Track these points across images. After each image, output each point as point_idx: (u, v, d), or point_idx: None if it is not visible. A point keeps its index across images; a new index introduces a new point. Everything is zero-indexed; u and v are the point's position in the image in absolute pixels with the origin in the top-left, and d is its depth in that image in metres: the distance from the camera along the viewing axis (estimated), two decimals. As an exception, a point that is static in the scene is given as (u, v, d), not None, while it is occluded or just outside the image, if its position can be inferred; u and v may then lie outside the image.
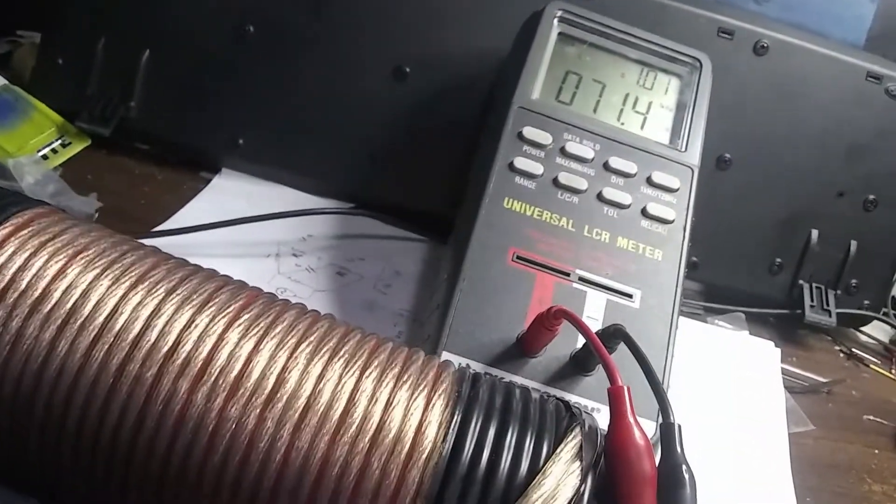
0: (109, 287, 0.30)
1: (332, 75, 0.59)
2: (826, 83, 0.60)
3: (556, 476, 0.27)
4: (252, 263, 0.52)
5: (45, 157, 0.56)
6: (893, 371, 0.62)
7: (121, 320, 0.29)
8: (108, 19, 0.58)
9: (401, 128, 0.59)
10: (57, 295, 0.29)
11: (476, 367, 0.39)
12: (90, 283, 0.30)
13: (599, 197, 0.46)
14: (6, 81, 0.60)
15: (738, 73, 0.60)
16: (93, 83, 0.58)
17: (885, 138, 0.61)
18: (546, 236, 0.44)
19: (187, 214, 0.55)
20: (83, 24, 0.58)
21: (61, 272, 0.30)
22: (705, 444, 0.48)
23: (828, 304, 0.61)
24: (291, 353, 0.29)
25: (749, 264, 0.62)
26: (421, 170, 0.59)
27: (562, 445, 0.28)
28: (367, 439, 0.28)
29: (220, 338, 0.29)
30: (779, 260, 0.62)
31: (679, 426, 0.30)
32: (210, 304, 0.30)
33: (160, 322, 0.29)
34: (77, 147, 0.58)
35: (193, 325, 0.29)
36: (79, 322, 0.29)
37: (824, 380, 0.57)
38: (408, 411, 0.28)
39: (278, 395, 0.28)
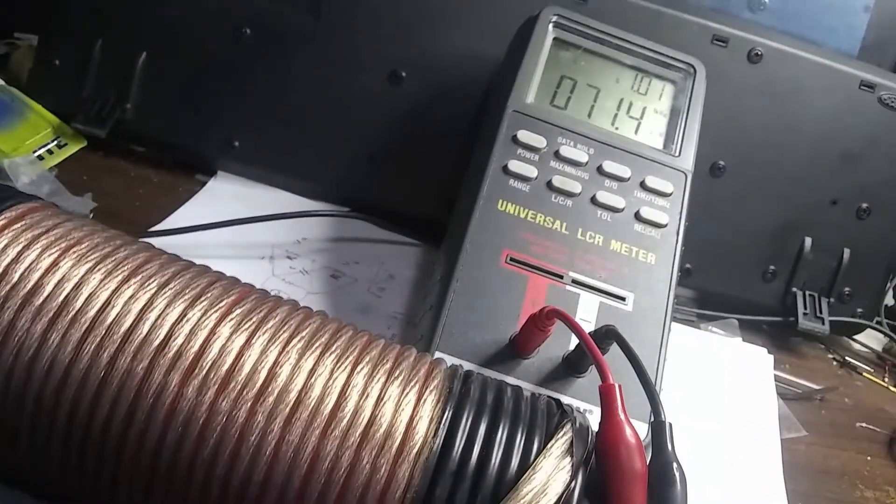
0: (102, 281, 0.30)
1: (328, 79, 0.59)
2: (820, 91, 0.61)
3: (547, 471, 0.27)
4: (246, 265, 0.52)
5: (40, 157, 0.56)
6: (886, 379, 0.62)
7: (112, 313, 0.29)
8: (105, 21, 0.58)
9: (396, 132, 0.59)
10: (49, 288, 0.29)
11: (469, 367, 0.39)
12: (82, 276, 0.30)
13: (593, 200, 0.46)
14: (3, 83, 0.60)
15: (732, 80, 0.60)
16: (89, 85, 0.58)
17: (879, 146, 0.61)
18: (540, 239, 0.44)
19: (182, 216, 0.55)
20: (80, 26, 0.59)
21: (54, 265, 0.30)
22: (698, 450, 0.48)
23: (821, 312, 0.61)
24: (283, 348, 0.29)
25: (742, 271, 0.62)
26: (415, 174, 0.59)
27: (552, 441, 0.28)
28: (357, 434, 0.28)
29: (212, 332, 0.29)
30: (772, 267, 0.62)
31: (670, 424, 0.30)
32: (202, 299, 0.30)
33: (152, 316, 0.29)
34: (73, 148, 0.58)
35: (185, 319, 0.29)
36: (70, 315, 0.29)
37: (817, 387, 0.57)
38: (399, 407, 0.28)
39: (269, 389, 0.28)
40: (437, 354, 0.39)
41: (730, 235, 0.61)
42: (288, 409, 0.28)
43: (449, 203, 0.50)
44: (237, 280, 0.34)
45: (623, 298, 0.43)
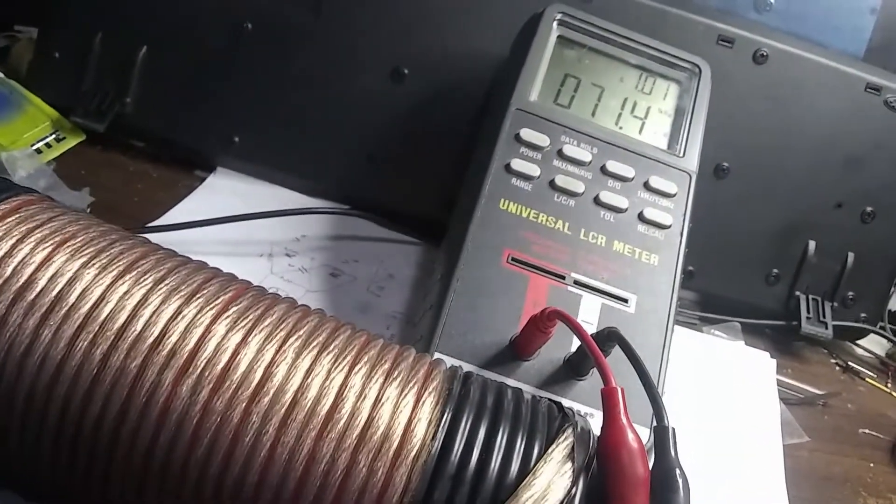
0: (96, 276, 0.29)
1: (330, 75, 0.58)
2: (825, 93, 0.60)
3: (547, 477, 0.27)
4: (245, 262, 0.51)
5: (38, 151, 0.56)
6: (889, 385, 0.62)
7: (106, 309, 0.29)
8: (105, 15, 0.58)
9: (397, 130, 0.58)
10: (42, 283, 0.29)
11: (469, 368, 0.39)
12: (76, 271, 0.29)
13: (596, 200, 0.45)
14: (2, 75, 0.59)
15: (737, 81, 0.59)
16: (89, 79, 0.58)
17: (884, 149, 0.61)
18: (541, 238, 0.43)
19: (180, 212, 0.54)
20: (81, 19, 0.58)
21: (48, 260, 0.29)
22: (700, 455, 0.47)
23: (824, 317, 0.61)
24: (280, 347, 0.29)
25: (745, 274, 0.61)
26: (417, 172, 0.58)
27: (553, 446, 0.28)
28: (354, 436, 0.27)
29: (208, 329, 0.29)
30: (775, 270, 0.61)
31: (673, 429, 0.29)
32: (198, 296, 0.30)
33: (146, 312, 0.29)
34: (71, 142, 0.58)
35: (180, 316, 0.29)
36: (63, 310, 0.28)
37: (820, 392, 0.56)
38: (397, 408, 0.28)
39: (265, 388, 0.28)
40: (437, 355, 0.39)
41: (733, 238, 0.61)
42: (284, 410, 0.27)
43: (449, 202, 0.49)
44: (234, 276, 0.33)
45: (625, 300, 0.43)
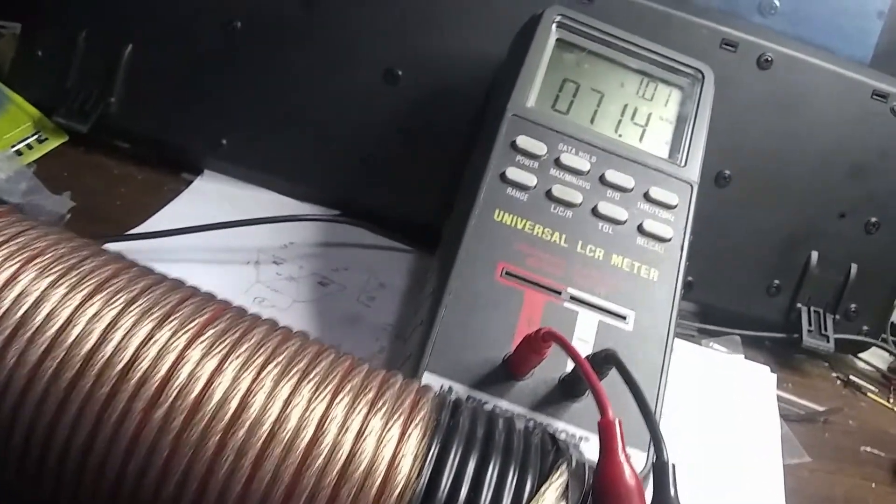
0: (65, 296, 0.28)
1: (322, 76, 0.56)
2: (830, 100, 0.59)
3: (539, 517, 0.25)
4: (230, 270, 0.49)
5: (18, 152, 0.54)
6: (891, 400, 0.60)
7: (74, 332, 0.27)
8: (90, 11, 0.56)
9: (391, 133, 0.57)
10: (6, 304, 0.27)
11: (459, 389, 0.37)
12: (44, 290, 0.28)
13: (594, 212, 0.44)
14: (-17, 73, 0.58)
15: (741, 86, 0.58)
16: (72, 77, 0.56)
17: (890, 159, 0.59)
18: (537, 251, 0.42)
19: (165, 217, 0.53)
20: (65, 16, 0.56)
21: (13, 279, 0.28)
22: (697, 474, 0.46)
23: (826, 329, 0.59)
24: (257, 374, 0.27)
25: (746, 285, 0.60)
26: (410, 177, 0.57)
27: (546, 484, 0.26)
28: (335, 472, 0.25)
29: (181, 355, 0.27)
30: (777, 281, 0.60)
31: (673, 466, 0.28)
32: (172, 318, 0.28)
33: (116, 336, 0.27)
34: (53, 143, 0.56)
35: (152, 341, 0.27)
36: (28, 334, 0.27)
37: (821, 408, 0.55)
38: (381, 442, 0.26)
39: (240, 420, 0.26)
40: (426, 374, 0.37)
41: (733, 247, 0.59)
42: (260, 443, 0.26)
43: (444, 208, 0.48)
44: (213, 296, 0.31)
45: (623, 317, 0.41)
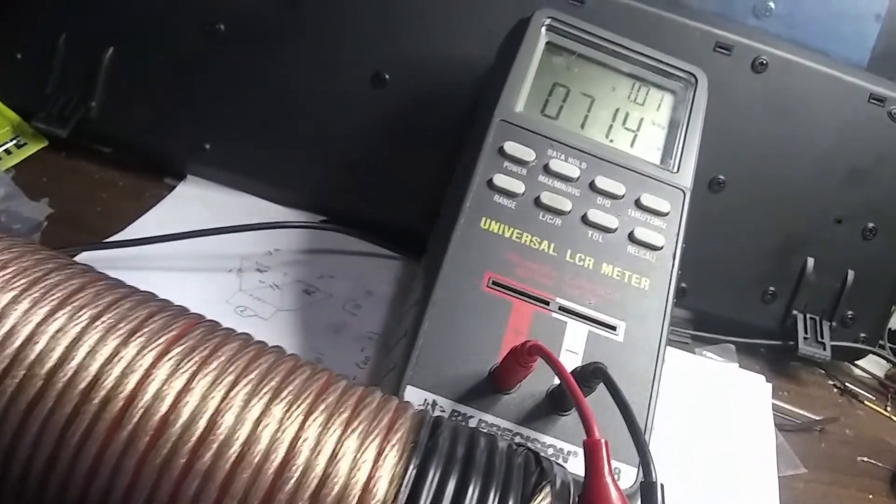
0: (27, 311, 0.27)
1: (307, 79, 0.55)
2: (827, 104, 0.57)
3: (521, 544, 0.24)
4: (212, 279, 0.48)
5: (-3, 157, 0.53)
6: (889, 408, 0.59)
7: (35, 350, 0.26)
8: (71, 14, 0.55)
9: (378, 138, 0.56)
10: (-36, 320, 0.26)
11: (444, 403, 0.36)
12: (5, 306, 0.27)
13: (584, 219, 0.43)
14: (-39, 76, 0.56)
15: (735, 90, 0.57)
16: (52, 81, 0.54)
17: (887, 164, 0.58)
18: (525, 261, 0.41)
19: (146, 224, 0.51)
20: (44, 18, 0.55)
21: (-28, 293, 0.27)
22: (690, 487, 0.45)
23: (822, 337, 0.58)
24: (227, 393, 0.26)
25: (741, 292, 0.58)
26: (398, 183, 0.55)
27: (528, 508, 0.25)
28: (306, 496, 0.24)
29: (147, 373, 0.26)
30: (772, 288, 0.59)
31: (661, 485, 0.27)
32: (138, 334, 0.27)
33: (80, 353, 0.26)
34: (33, 148, 0.55)
35: (117, 358, 0.26)
36: (-14, 352, 0.25)
37: (817, 417, 0.54)
38: (355, 463, 0.25)
39: (207, 441, 0.25)
40: (409, 388, 0.36)
41: (728, 254, 0.58)
42: (228, 466, 0.24)
43: (432, 214, 0.46)
44: (184, 310, 0.30)
45: (614, 328, 0.40)
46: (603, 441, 0.26)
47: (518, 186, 0.42)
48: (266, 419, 0.25)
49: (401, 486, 0.25)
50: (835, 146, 0.58)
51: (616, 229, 0.43)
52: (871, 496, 0.50)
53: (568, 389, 0.29)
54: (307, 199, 0.56)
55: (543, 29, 0.48)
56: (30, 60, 0.55)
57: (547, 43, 0.48)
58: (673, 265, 0.43)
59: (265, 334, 0.44)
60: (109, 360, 0.26)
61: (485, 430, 0.35)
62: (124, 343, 0.26)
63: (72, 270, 0.29)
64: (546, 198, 0.42)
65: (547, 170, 0.43)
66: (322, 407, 0.26)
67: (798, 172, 0.58)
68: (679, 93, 0.49)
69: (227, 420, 0.25)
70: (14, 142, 0.54)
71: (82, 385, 0.25)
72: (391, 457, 0.26)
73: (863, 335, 0.60)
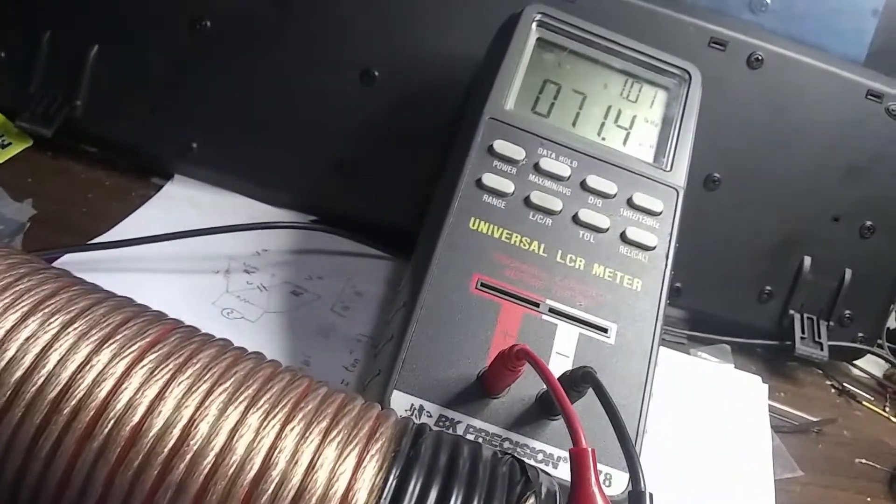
0: (-4, 317, 0.26)
1: (295, 77, 0.54)
2: (824, 100, 0.57)
3: (504, 557, 0.23)
4: (198, 280, 0.47)
5: (-19, 158, 0.52)
6: (887, 409, 0.59)
7: (5, 358, 0.25)
8: (54, 12, 0.54)
9: (367, 136, 0.55)
10: (-70, 327, 0.25)
11: (431, 408, 0.35)
12: (-27, 312, 0.26)
13: (575, 219, 0.42)
14: (-56, 75, 0.55)
15: (730, 86, 0.56)
16: (36, 80, 0.54)
17: (885, 161, 0.57)
18: (515, 262, 0.40)
19: (132, 224, 0.51)
20: (28, 16, 0.54)
21: (-62, 300, 0.26)
22: (684, 491, 0.44)
23: (819, 336, 0.57)
24: (202, 402, 0.25)
25: (736, 291, 0.58)
26: (388, 181, 0.55)
27: (512, 520, 0.24)
28: (282, 508, 0.24)
29: (119, 381, 0.25)
30: (768, 287, 0.58)
31: (650, 495, 0.26)
32: (111, 341, 0.26)
33: (50, 361, 0.25)
34: (17, 148, 0.54)
35: (89, 366, 0.25)
36: (-48, 360, 0.25)
37: (814, 419, 0.53)
38: (333, 474, 0.24)
39: (181, 452, 0.24)
40: (396, 393, 0.35)
41: (723, 252, 0.57)
42: (202, 478, 0.24)
43: (423, 214, 0.46)
44: (161, 315, 0.29)
45: (605, 330, 0.39)
46: (590, 450, 0.25)
47: (507, 186, 0.42)
48: (242, 428, 0.25)
49: (381, 497, 0.24)
50: (832, 143, 0.57)
51: (608, 229, 0.42)
52: (869, 499, 0.49)
53: (554, 395, 0.28)
54: (296, 198, 0.55)
55: (534, 25, 0.47)
56: (13, 59, 0.54)
57: (537, 39, 0.47)
58: (666, 265, 0.42)
59: (252, 337, 0.44)
60: (81, 368, 0.25)
61: (472, 437, 0.35)
62: (97, 350, 0.26)
63: (44, 275, 0.28)
64: (536, 197, 0.42)
65: (537, 169, 0.43)
66: (300, 415, 0.26)
67: (794, 170, 0.57)
68: (672, 89, 0.48)
69: (202, 430, 0.24)
70: (-2, 142, 0.53)
71: (52, 394, 0.25)
72: (371, 467, 0.25)
73: (861, 335, 0.59)
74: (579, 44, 0.47)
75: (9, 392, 0.24)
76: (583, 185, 0.43)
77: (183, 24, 0.54)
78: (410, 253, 0.46)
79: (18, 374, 0.25)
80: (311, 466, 0.24)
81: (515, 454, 0.28)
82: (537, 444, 0.35)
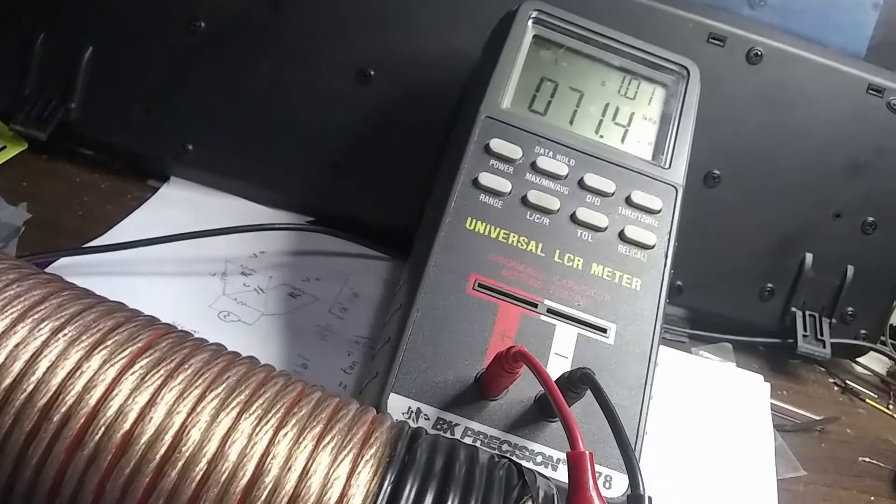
0: (-15, 325, 0.25)
1: (291, 77, 0.54)
2: (824, 95, 0.56)
3: (500, 563, 0.23)
4: (194, 283, 0.47)
5: (-24, 162, 0.52)
6: (891, 406, 0.58)
7: (-7, 366, 0.25)
8: (48, 14, 0.54)
9: (363, 135, 0.54)
10: (-81, 334, 0.25)
11: (428, 410, 0.35)
12: (-39, 319, 0.25)
13: (573, 218, 0.41)
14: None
15: (730, 82, 0.55)
16: (31, 82, 0.53)
17: (887, 156, 0.57)
18: (512, 262, 0.39)
19: (128, 227, 0.50)
20: (22, 19, 0.54)
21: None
22: (685, 491, 0.44)
23: (822, 334, 0.57)
24: (193, 408, 0.25)
25: (738, 289, 0.57)
26: (385, 182, 0.54)
27: (508, 525, 0.24)
28: (275, 515, 0.23)
29: (109, 388, 0.25)
30: (770, 285, 0.57)
31: (649, 498, 0.26)
32: (101, 347, 0.26)
33: (40, 368, 0.25)
34: (12, 151, 0.53)
35: (79, 373, 0.25)
36: (-60, 368, 0.24)
37: (817, 417, 0.53)
38: (327, 480, 0.24)
39: (172, 459, 0.24)
40: (393, 396, 0.35)
41: (724, 250, 0.57)
42: (194, 485, 0.23)
43: (420, 214, 0.45)
44: (153, 320, 0.29)
45: (604, 330, 0.39)
46: (588, 453, 0.25)
47: (504, 185, 0.41)
48: (234, 434, 0.24)
49: (376, 502, 0.24)
50: (833, 139, 0.57)
51: (606, 228, 0.42)
52: (872, 498, 0.48)
53: (551, 398, 0.28)
54: (293, 199, 0.55)
55: (530, 22, 0.46)
56: (7, 63, 0.54)
57: (534, 36, 0.47)
58: (665, 264, 0.42)
59: (249, 340, 0.44)
60: (71, 375, 0.25)
61: (470, 439, 0.34)
62: (87, 356, 0.25)
63: (34, 281, 0.28)
64: (533, 196, 0.41)
65: (534, 167, 0.42)
66: (294, 421, 0.25)
67: (795, 166, 0.57)
68: (671, 86, 0.48)
69: (194, 436, 0.24)
70: (-7, 145, 0.53)
71: (42, 401, 0.24)
72: (365, 472, 0.25)
73: (863, 332, 0.59)
74: (576, 41, 0.47)
75: (-2, 399, 0.24)
76: (580, 183, 0.42)
77: (177, 25, 0.53)
78: (408, 253, 0.45)
79: (8, 381, 0.24)
80: (305, 472, 0.24)
81: (513, 457, 0.28)
82: (536, 446, 0.35)
